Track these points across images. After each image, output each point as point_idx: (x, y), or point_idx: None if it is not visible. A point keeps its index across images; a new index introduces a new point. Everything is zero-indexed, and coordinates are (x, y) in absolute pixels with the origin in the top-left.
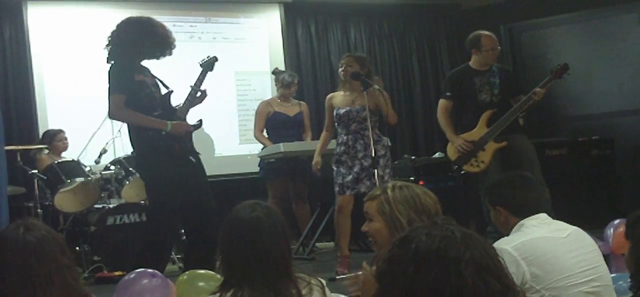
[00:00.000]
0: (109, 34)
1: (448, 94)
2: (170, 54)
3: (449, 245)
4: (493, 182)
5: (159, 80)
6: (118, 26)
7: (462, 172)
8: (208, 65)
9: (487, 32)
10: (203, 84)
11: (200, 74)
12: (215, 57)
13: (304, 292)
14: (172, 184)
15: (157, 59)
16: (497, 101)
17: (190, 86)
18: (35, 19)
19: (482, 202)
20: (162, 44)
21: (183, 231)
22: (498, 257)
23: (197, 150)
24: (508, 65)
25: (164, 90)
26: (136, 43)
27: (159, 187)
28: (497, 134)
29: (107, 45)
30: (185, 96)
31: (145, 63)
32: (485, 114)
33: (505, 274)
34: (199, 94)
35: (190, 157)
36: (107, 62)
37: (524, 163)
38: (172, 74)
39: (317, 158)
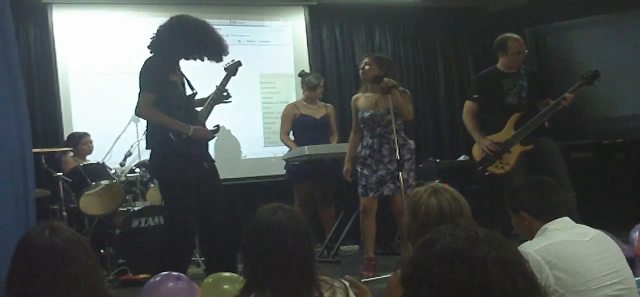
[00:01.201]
0: (160, 26)
1: (475, 96)
2: (221, 60)
3: (474, 244)
4: (515, 187)
5: (186, 79)
6: (170, 20)
7: (487, 173)
8: (232, 69)
9: (513, 35)
10: (227, 87)
11: (224, 77)
12: (239, 61)
13: (327, 295)
14: (188, 185)
15: (201, 59)
16: (525, 104)
17: (216, 86)
18: (60, 22)
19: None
20: (216, 46)
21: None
22: (522, 256)
23: (222, 152)
24: (531, 67)
25: (188, 91)
26: (185, 41)
27: (174, 187)
28: (524, 137)
29: (155, 35)
30: (208, 99)
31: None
32: (513, 117)
33: (530, 272)
34: (224, 94)
35: (204, 163)
36: (148, 49)
37: (550, 166)
38: (196, 75)
39: (347, 165)
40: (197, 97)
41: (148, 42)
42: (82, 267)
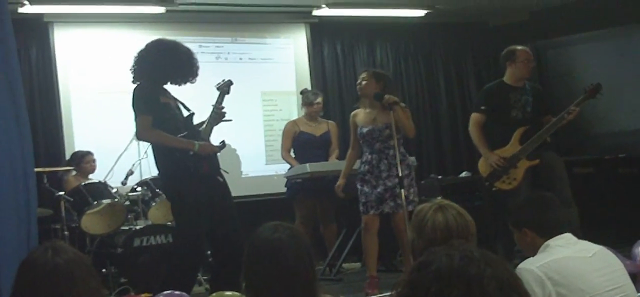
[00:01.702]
0: (135, 55)
1: (482, 108)
2: (193, 81)
3: (469, 263)
4: (517, 204)
5: (180, 103)
6: (145, 48)
7: (494, 189)
8: (224, 88)
9: (522, 46)
10: (223, 105)
11: (218, 97)
12: (230, 80)
13: None
14: (200, 205)
15: (178, 85)
16: (529, 118)
17: (212, 106)
18: (62, 41)
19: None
20: (185, 70)
21: (209, 252)
22: (516, 275)
23: (223, 169)
24: (535, 83)
25: (185, 113)
26: (161, 66)
27: (186, 208)
28: (530, 152)
29: (133, 66)
30: (207, 119)
31: (167, 86)
32: (518, 131)
33: (525, 291)
34: (221, 113)
35: (218, 177)
36: (133, 82)
37: (554, 180)
38: (197, 94)
39: (340, 180)
40: (195, 118)
41: (131, 72)
42: (85, 288)
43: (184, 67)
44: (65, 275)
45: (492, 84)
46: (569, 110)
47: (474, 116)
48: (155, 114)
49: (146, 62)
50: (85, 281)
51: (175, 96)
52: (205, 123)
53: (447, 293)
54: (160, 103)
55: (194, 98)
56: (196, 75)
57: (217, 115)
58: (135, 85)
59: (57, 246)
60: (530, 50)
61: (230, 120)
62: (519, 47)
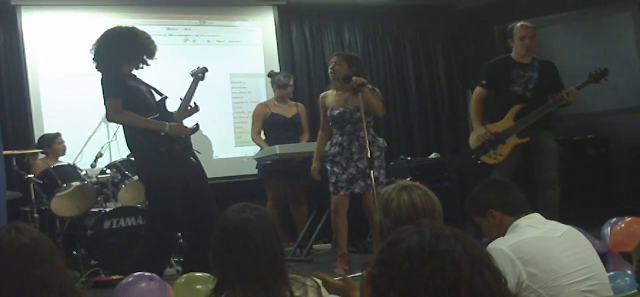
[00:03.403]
0: (93, 44)
1: (483, 82)
2: (147, 63)
3: (440, 239)
4: (475, 192)
5: (152, 88)
6: (99, 38)
7: (479, 162)
8: (198, 74)
9: (521, 22)
10: (196, 92)
11: (192, 83)
12: (205, 67)
13: (298, 293)
14: (173, 186)
15: (137, 68)
16: (530, 96)
17: (180, 98)
18: (30, 24)
19: None
20: (141, 53)
21: (180, 234)
22: (486, 251)
23: (197, 151)
24: (548, 60)
25: (157, 97)
26: (118, 54)
27: (160, 190)
28: (521, 129)
29: (93, 57)
30: (179, 105)
31: (136, 71)
32: (514, 108)
33: (495, 266)
34: (191, 106)
35: (191, 158)
36: (97, 70)
37: (541, 161)
38: (166, 77)
39: (315, 163)
40: (168, 103)
41: (94, 63)
42: (51, 267)
43: (140, 50)
44: (33, 254)
45: (496, 58)
46: (568, 91)
47: (476, 90)
48: (124, 96)
49: (103, 53)
50: (51, 260)
51: (147, 82)
52: (178, 108)
53: (419, 269)
54: (129, 86)
55: (163, 82)
56: (152, 55)
57: (187, 104)
58: (101, 73)
59: (20, 226)
60: (497, 33)
61: (198, 109)
62: (518, 24)
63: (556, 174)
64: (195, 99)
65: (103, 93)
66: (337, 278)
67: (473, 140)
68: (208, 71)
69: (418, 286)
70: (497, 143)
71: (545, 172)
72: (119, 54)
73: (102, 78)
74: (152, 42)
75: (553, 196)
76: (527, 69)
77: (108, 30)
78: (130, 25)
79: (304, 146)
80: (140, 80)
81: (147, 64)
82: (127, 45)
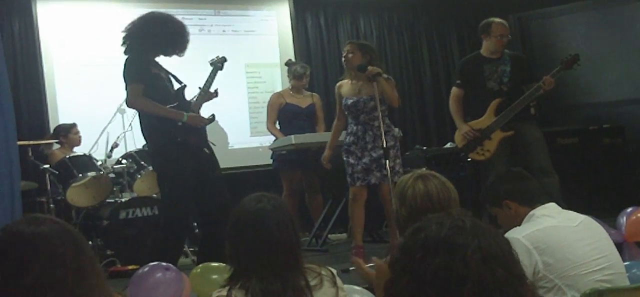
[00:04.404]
0: (127, 26)
1: (458, 82)
2: (182, 54)
3: (457, 233)
4: (490, 182)
5: (172, 75)
6: (136, 20)
7: (469, 159)
8: (218, 64)
9: (499, 19)
10: (214, 81)
11: (211, 73)
12: (224, 57)
13: (314, 282)
14: (186, 176)
15: (168, 56)
16: (506, 89)
17: (199, 88)
18: (45, 14)
19: None
20: (175, 41)
21: (196, 223)
22: (509, 248)
23: (210, 141)
24: (516, 51)
25: (176, 85)
26: (152, 38)
27: (172, 179)
28: (504, 123)
29: (124, 38)
30: (197, 93)
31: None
32: (493, 103)
33: (514, 264)
34: (212, 93)
35: (205, 149)
36: (124, 54)
37: (530, 151)
38: (181, 66)
39: (326, 152)
40: (186, 91)
41: (122, 45)
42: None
43: (174, 39)
44: (77, 242)
45: (467, 57)
46: (543, 80)
47: (452, 90)
48: (146, 83)
49: (136, 34)
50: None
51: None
52: (196, 97)
53: (429, 261)
54: (151, 73)
55: (179, 71)
56: (185, 47)
57: (206, 94)
58: (126, 56)
59: (44, 218)
60: (512, 22)
61: (217, 95)
62: (496, 20)
63: (548, 162)
64: (213, 88)
65: (124, 77)
66: (369, 265)
67: (459, 139)
68: (227, 61)
69: (425, 278)
70: (482, 139)
71: (536, 161)
72: (150, 40)
73: (125, 62)
74: (186, 35)
75: (552, 183)
76: (499, 64)
77: (145, 15)
78: (166, 14)
79: (320, 136)
80: (162, 67)
81: (178, 55)
82: (161, 32)
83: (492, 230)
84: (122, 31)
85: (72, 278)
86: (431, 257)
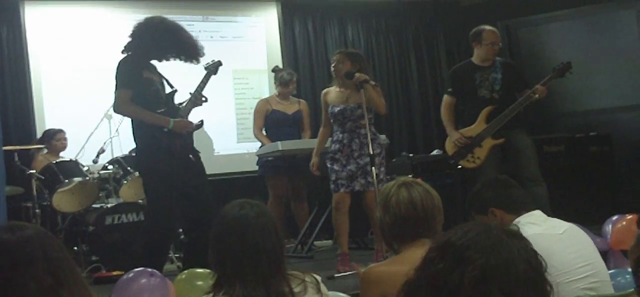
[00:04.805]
0: (134, 26)
1: (449, 90)
2: (198, 61)
3: (471, 247)
4: (476, 190)
5: (164, 79)
6: (145, 20)
7: (459, 167)
8: (212, 68)
9: (490, 27)
10: (206, 86)
11: (204, 77)
12: (219, 61)
13: (298, 289)
14: (171, 182)
15: (160, 60)
16: (498, 97)
17: (190, 93)
18: (33, 19)
19: None
20: (189, 50)
21: (181, 230)
22: (525, 272)
23: (196, 148)
24: (507, 59)
25: (168, 89)
26: (156, 42)
27: (158, 185)
28: (495, 131)
29: (129, 36)
30: (188, 97)
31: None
32: (484, 110)
33: (521, 288)
34: (201, 98)
35: (190, 156)
36: (122, 52)
37: (521, 159)
38: (170, 71)
39: (314, 158)
40: (177, 96)
41: (122, 41)
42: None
43: (186, 45)
44: (60, 247)
45: (458, 65)
46: (535, 88)
47: (444, 98)
48: (135, 88)
49: (142, 36)
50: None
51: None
52: (186, 102)
53: (436, 263)
54: (143, 78)
55: (167, 75)
56: (203, 53)
57: (196, 99)
58: (121, 57)
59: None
60: (501, 29)
61: (206, 100)
62: (487, 28)
63: (537, 170)
64: (204, 93)
65: (116, 79)
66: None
67: (449, 146)
68: (222, 65)
69: (427, 275)
70: (473, 147)
71: (526, 169)
72: (149, 45)
73: (119, 63)
74: (194, 45)
75: (540, 192)
76: (490, 71)
77: (155, 18)
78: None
79: (306, 143)
80: (156, 70)
81: (187, 61)
82: (159, 37)
83: (520, 251)
84: (132, 28)
85: (52, 284)
86: (438, 260)
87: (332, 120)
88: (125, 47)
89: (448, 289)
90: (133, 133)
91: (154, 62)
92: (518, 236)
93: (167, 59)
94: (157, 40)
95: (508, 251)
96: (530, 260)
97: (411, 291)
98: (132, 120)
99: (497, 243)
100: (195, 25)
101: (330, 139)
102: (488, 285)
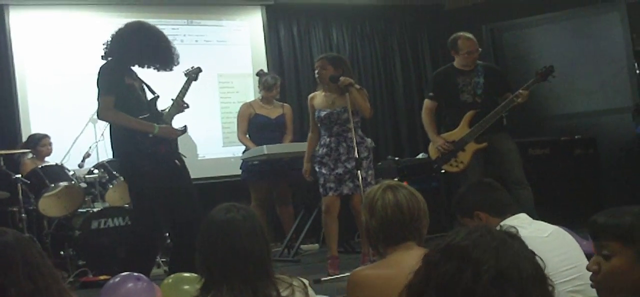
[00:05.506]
0: (114, 32)
1: (431, 94)
2: (171, 69)
3: (478, 247)
4: (461, 193)
5: (146, 85)
6: (125, 26)
7: (442, 171)
8: (192, 74)
9: (466, 34)
10: (187, 92)
11: (185, 83)
12: (199, 68)
13: (285, 293)
14: (156, 187)
15: (141, 67)
16: (480, 101)
17: (172, 99)
18: (18, 23)
19: None
20: (162, 57)
21: (168, 234)
22: (535, 273)
23: (181, 153)
24: (489, 63)
25: (149, 95)
26: (137, 49)
27: (142, 190)
28: (478, 135)
29: (109, 42)
30: (170, 103)
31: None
32: (467, 115)
33: (530, 287)
34: (183, 104)
35: (175, 161)
36: (102, 59)
37: (505, 162)
38: (153, 76)
39: (306, 165)
40: (159, 102)
41: (103, 49)
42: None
43: (165, 52)
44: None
45: (440, 69)
46: (518, 93)
47: (425, 102)
48: (118, 94)
49: (123, 42)
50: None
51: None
52: (168, 108)
53: (443, 265)
54: (125, 84)
55: (150, 80)
56: (176, 64)
57: (179, 105)
58: (102, 63)
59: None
60: (485, 33)
61: (188, 107)
62: (462, 36)
63: (522, 173)
64: (186, 98)
65: (97, 86)
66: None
67: (433, 151)
68: (202, 71)
69: (434, 279)
70: (456, 151)
71: (510, 173)
72: (133, 50)
73: (100, 69)
74: (171, 52)
75: (525, 195)
76: (472, 75)
77: (135, 23)
78: (156, 26)
79: (292, 146)
80: (136, 76)
81: (162, 70)
82: (140, 43)
83: (522, 252)
84: (111, 34)
85: (32, 290)
86: (444, 262)
87: (319, 125)
88: (105, 52)
89: (461, 290)
90: (112, 141)
91: (134, 68)
92: (517, 237)
93: (147, 66)
94: (137, 45)
95: (513, 251)
96: (532, 260)
97: (416, 295)
98: (112, 128)
99: (501, 244)
100: (179, 29)
101: (318, 143)
102: (503, 285)
